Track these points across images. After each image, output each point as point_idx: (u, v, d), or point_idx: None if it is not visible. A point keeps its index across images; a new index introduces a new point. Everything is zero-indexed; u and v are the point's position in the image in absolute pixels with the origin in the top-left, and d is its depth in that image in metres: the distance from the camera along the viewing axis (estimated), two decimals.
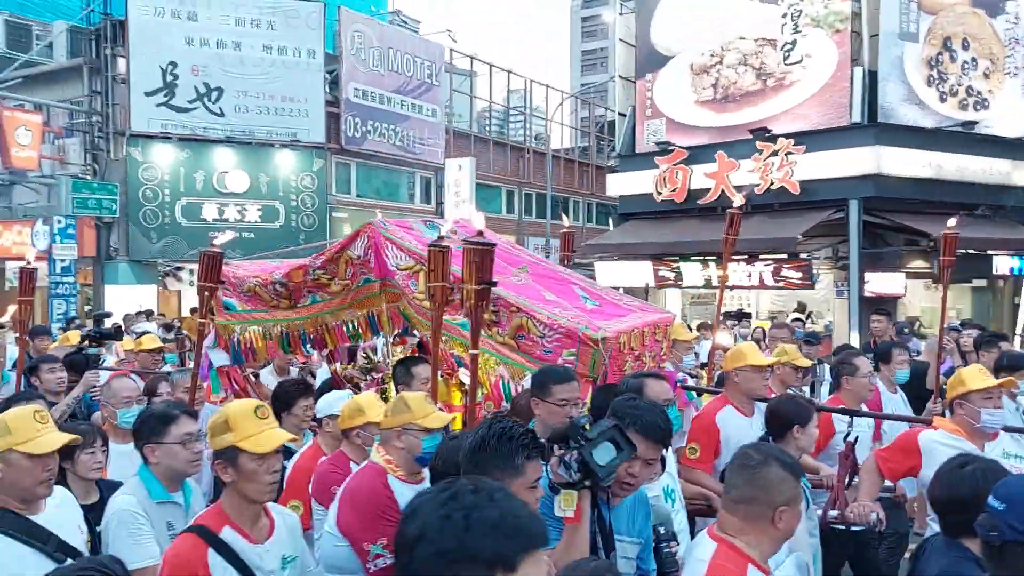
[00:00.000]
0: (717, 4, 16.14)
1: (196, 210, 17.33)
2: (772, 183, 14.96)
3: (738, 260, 14.98)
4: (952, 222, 5.60)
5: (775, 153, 14.93)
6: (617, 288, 9.28)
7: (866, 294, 14.18)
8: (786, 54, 15.26)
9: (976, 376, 3.73)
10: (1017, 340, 12.17)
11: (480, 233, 3.49)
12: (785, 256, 14.76)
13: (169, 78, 16.99)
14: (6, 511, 2.58)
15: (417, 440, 3.16)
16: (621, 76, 18.77)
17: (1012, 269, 15.27)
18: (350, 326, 4.93)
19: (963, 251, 14.37)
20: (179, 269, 17.07)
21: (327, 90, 18.18)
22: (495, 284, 3.32)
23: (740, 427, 4.23)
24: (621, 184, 18.08)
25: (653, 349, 4.67)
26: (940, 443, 3.63)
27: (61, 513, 2.75)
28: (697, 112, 16.75)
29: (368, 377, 5.44)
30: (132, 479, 3.11)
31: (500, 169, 24.17)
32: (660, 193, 16.75)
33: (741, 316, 13.43)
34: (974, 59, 15.13)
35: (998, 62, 15.41)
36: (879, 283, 14.32)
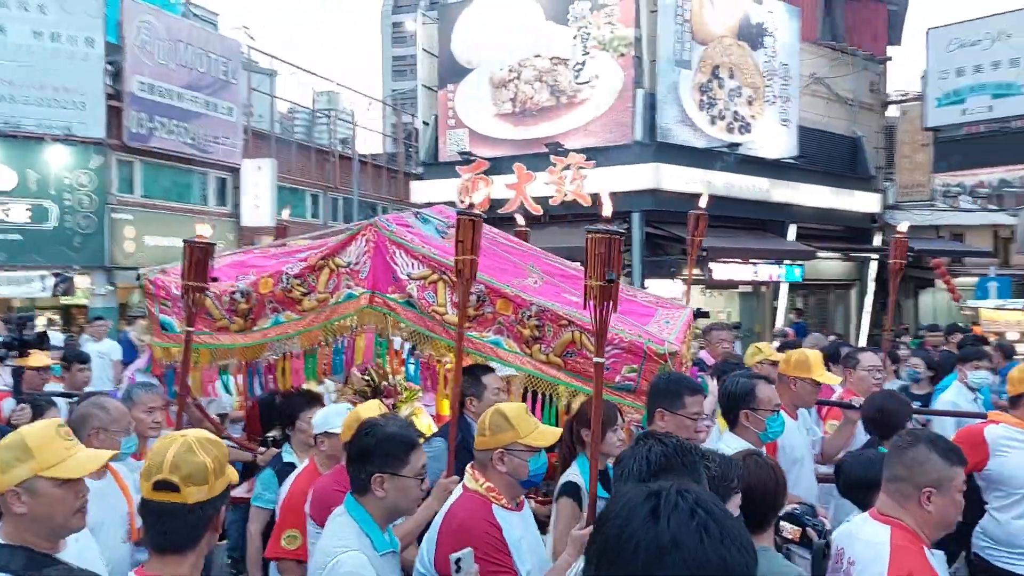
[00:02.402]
0: (514, 22, 16.77)
1: None
2: (565, 195, 15.76)
3: None
4: (903, 226, 5.83)
5: (568, 167, 15.74)
6: None
7: None
8: (577, 74, 16.14)
9: None
10: (776, 342, 13.62)
11: (608, 220, 2.94)
12: (579, 263, 15.59)
13: None
14: (33, 553, 2.13)
15: (523, 462, 2.73)
16: (424, 85, 19.01)
17: (771, 276, 17.09)
18: (310, 361, 4.03)
19: (730, 260, 15.94)
20: None
21: (108, 82, 16.90)
22: (617, 279, 2.87)
23: (790, 430, 4.01)
24: (426, 191, 18.28)
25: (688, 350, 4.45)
26: (1008, 438, 3.73)
27: (84, 551, 2.35)
28: (497, 124, 17.30)
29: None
30: (344, 526, 2.50)
31: (304, 172, 23.57)
32: (463, 202, 17.10)
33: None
34: (739, 87, 16.78)
35: (759, 91, 17.19)
36: (659, 289, 15.48)
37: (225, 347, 4.01)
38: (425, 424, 4.62)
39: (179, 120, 18.25)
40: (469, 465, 2.90)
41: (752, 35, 17.08)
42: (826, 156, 19.65)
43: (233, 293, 3.98)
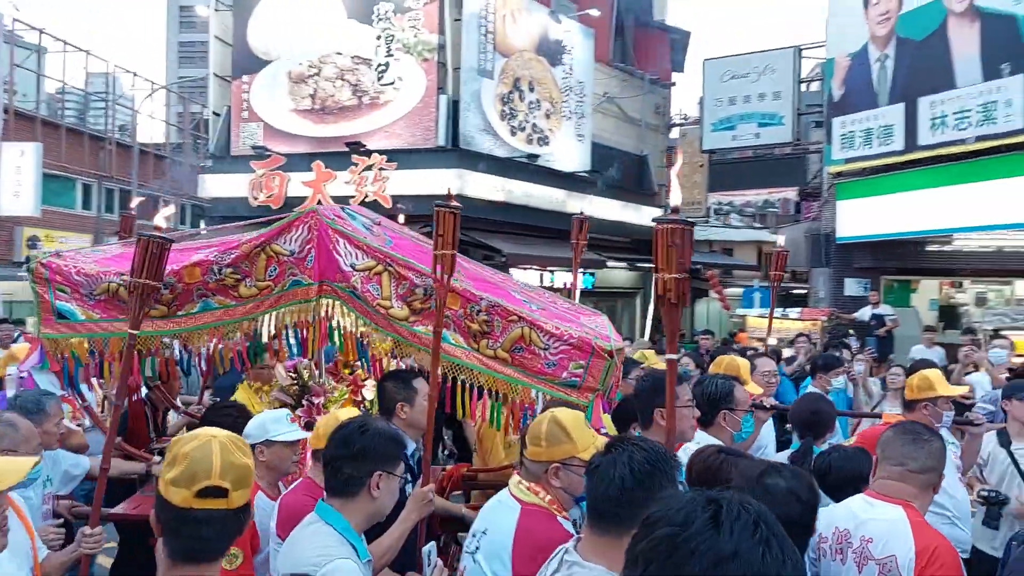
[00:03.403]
0: (315, 16, 16.25)
1: None
2: (367, 196, 15.47)
3: None
4: (780, 240, 6.31)
5: (369, 167, 15.48)
6: None
7: None
8: (380, 75, 15.93)
9: (944, 382, 4.08)
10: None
11: (676, 210, 2.71)
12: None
13: None
14: None
15: (579, 477, 2.51)
16: (216, 74, 17.94)
17: (565, 283, 17.81)
18: (255, 347, 3.83)
19: (528, 266, 16.44)
20: None
21: None
22: (692, 273, 2.63)
23: None
24: (214, 186, 17.26)
25: None
26: None
27: (6, 570, 2.22)
28: (295, 120, 16.66)
29: (303, 402, 4.41)
30: (322, 534, 2.36)
31: (75, 159, 21.48)
32: (256, 198, 16.31)
33: None
34: (538, 100, 17.37)
35: (557, 106, 17.89)
36: None
37: (149, 335, 3.70)
38: None
39: None
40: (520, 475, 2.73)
41: (551, 51, 17.74)
42: (615, 172, 20.86)
43: None
